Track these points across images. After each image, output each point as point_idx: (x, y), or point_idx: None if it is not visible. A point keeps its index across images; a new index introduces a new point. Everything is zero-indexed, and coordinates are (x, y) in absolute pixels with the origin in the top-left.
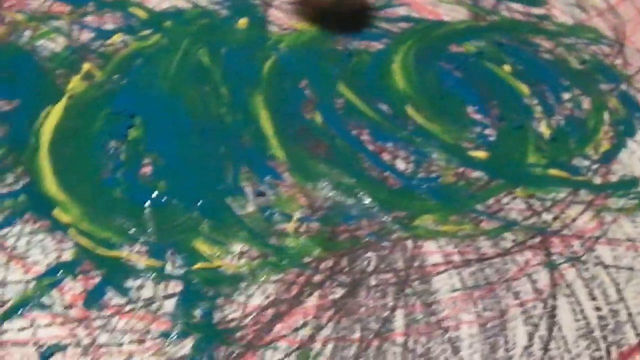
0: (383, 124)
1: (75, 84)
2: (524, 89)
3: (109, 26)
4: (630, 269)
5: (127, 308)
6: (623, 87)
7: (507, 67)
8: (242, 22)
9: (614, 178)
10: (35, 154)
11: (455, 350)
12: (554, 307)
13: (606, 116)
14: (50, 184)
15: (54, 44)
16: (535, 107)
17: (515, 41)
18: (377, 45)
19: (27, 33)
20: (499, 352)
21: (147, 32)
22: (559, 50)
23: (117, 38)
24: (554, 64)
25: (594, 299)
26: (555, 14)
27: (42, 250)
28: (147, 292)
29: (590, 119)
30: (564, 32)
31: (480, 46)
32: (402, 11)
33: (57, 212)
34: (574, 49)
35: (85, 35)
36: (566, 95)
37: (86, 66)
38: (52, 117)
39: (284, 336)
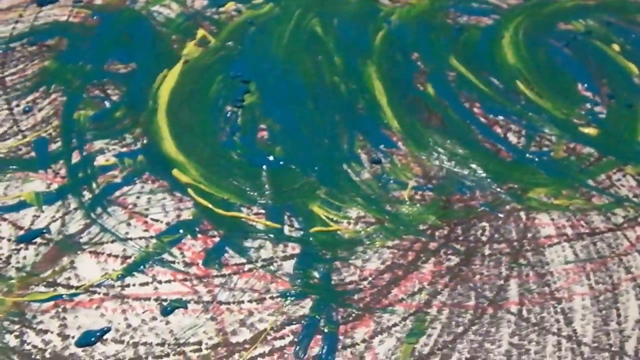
0: (494, 98)
1: (191, 49)
2: (634, 68)
3: None
4: None
5: (247, 267)
6: None
7: (616, 47)
8: None
9: None
10: (154, 116)
11: (568, 321)
12: None
13: None
14: (169, 145)
15: (168, 10)
16: None
17: (623, 21)
18: (487, 21)
19: None
20: (611, 325)
21: (260, 0)
22: None
23: (231, 6)
24: None
25: None
26: None
27: (162, 209)
28: (266, 253)
29: None
30: None
31: (589, 25)
32: None
33: (176, 173)
34: None
35: (199, 3)
36: None
37: (200, 32)
38: (168, 81)
39: (401, 300)
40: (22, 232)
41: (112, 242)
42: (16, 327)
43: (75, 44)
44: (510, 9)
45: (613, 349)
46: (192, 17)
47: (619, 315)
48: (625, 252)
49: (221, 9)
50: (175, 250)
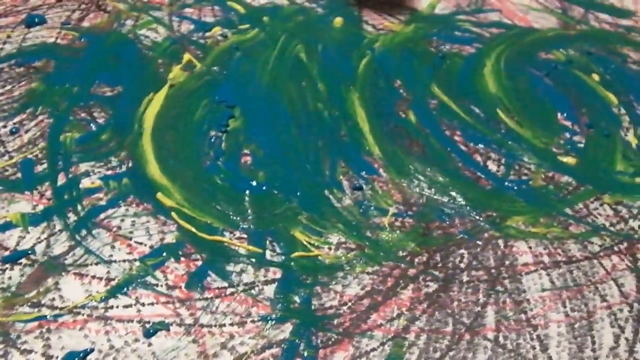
0: (475, 126)
1: (176, 73)
2: (613, 98)
3: (208, 19)
4: None
5: (228, 291)
6: None
7: (595, 76)
8: (338, 20)
9: None
10: (139, 140)
11: (544, 348)
12: None
13: None
14: (154, 169)
15: (155, 34)
16: (623, 116)
17: (603, 51)
18: (469, 49)
19: (129, 22)
20: (586, 352)
21: (245, 26)
22: None
23: (217, 31)
24: None
25: None
26: None
27: (145, 231)
28: (247, 277)
29: None
30: None
31: (569, 54)
32: (493, 17)
33: (160, 196)
34: None
35: (185, 27)
36: None
37: (186, 56)
38: (154, 104)
39: (380, 325)
40: (7, 253)
41: (97, 264)
42: (0, 346)
43: (63, 66)
44: (492, 37)
45: None
46: (178, 41)
47: (593, 343)
48: (601, 280)
49: (207, 34)
50: (158, 273)
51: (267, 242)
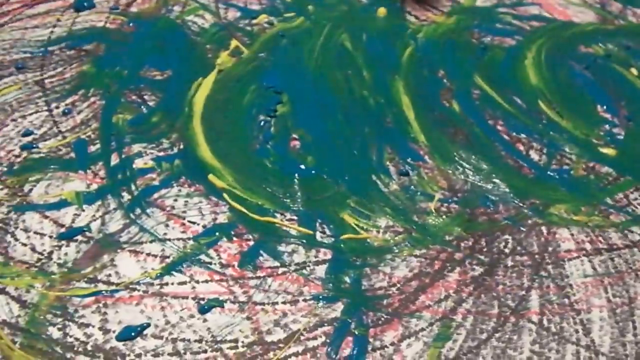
0: (517, 116)
1: (224, 59)
2: None
3: (255, 6)
4: None
5: (280, 271)
6: None
7: (634, 70)
8: (382, 11)
9: None
10: (189, 122)
11: (587, 332)
12: None
13: None
14: (205, 151)
15: (202, 20)
16: None
17: None
18: (510, 41)
19: (177, 8)
20: (627, 336)
21: (291, 14)
22: None
23: (263, 18)
24: None
25: None
26: None
27: (198, 212)
28: (298, 257)
29: None
30: None
31: (608, 48)
32: (533, 10)
33: (212, 178)
34: None
35: (232, 14)
36: None
37: (234, 43)
38: (203, 89)
39: (428, 307)
40: (63, 230)
41: (151, 242)
42: (59, 320)
43: (112, 50)
44: (532, 30)
45: (629, 359)
46: (225, 28)
47: (634, 328)
48: None
49: (254, 21)
50: (212, 252)
51: (317, 224)
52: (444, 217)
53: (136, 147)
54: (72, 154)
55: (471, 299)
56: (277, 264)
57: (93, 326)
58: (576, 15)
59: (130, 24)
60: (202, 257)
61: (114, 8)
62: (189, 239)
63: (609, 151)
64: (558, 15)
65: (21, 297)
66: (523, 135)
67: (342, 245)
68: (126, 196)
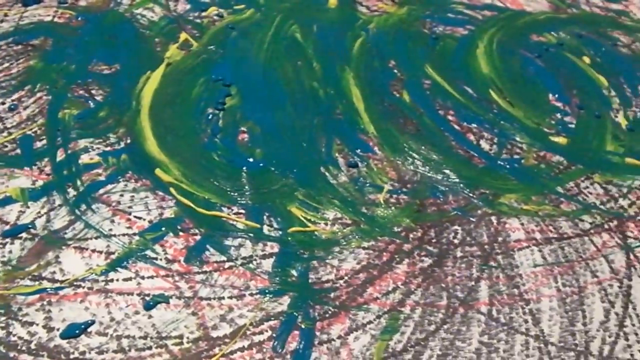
0: (468, 106)
1: (173, 52)
2: (603, 80)
3: None
4: None
5: (227, 265)
6: None
7: (586, 59)
8: (333, 2)
9: None
10: (137, 117)
11: (536, 321)
12: (629, 287)
13: None
14: (152, 145)
15: (152, 13)
16: (613, 98)
17: (594, 34)
18: (462, 31)
19: (126, 1)
20: (577, 325)
21: (241, 6)
22: (636, 45)
23: (213, 11)
24: (631, 59)
25: None
26: (633, 10)
27: (144, 207)
28: (245, 251)
29: None
30: None
31: (560, 37)
32: (485, 0)
33: (158, 172)
34: None
35: (182, 6)
36: None
37: (183, 36)
38: (152, 82)
39: (376, 299)
40: (7, 227)
41: (97, 238)
42: (2, 319)
43: (60, 45)
44: (484, 20)
45: (578, 348)
46: (174, 21)
47: (584, 317)
48: (591, 256)
49: (203, 14)
50: (157, 247)
51: (265, 217)
52: (392, 208)
53: (82, 143)
54: (18, 150)
55: (420, 291)
56: (223, 258)
57: (37, 324)
58: (529, 4)
59: (79, 18)
60: (148, 252)
61: (62, 2)
62: (134, 234)
63: (560, 140)
64: (510, 4)
65: None
66: (474, 125)
67: (289, 239)
68: (72, 192)
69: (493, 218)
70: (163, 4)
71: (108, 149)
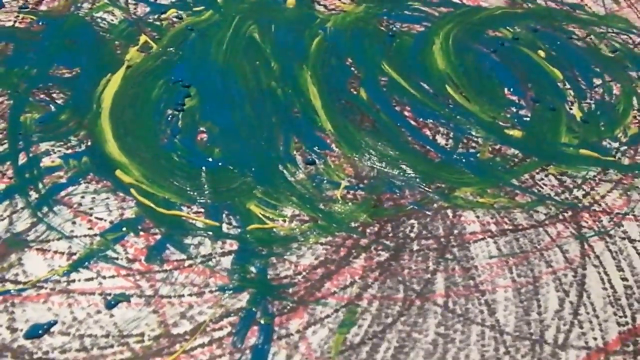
0: (424, 102)
1: (133, 54)
2: (558, 73)
3: (164, 1)
4: None
5: (187, 263)
6: None
7: (541, 53)
8: (291, 1)
9: None
10: (97, 119)
11: (492, 312)
12: (583, 276)
13: (635, 102)
14: (112, 147)
15: (112, 16)
16: (567, 91)
17: (549, 28)
18: (418, 28)
19: (86, 5)
20: (532, 315)
21: (200, 8)
22: (591, 38)
23: (172, 13)
24: (586, 51)
25: (621, 270)
26: (588, 4)
27: (105, 208)
28: (205, 249)
29: (620, 104)
30: (596, 21)
31: (516, 32)
32: None
33: (119, 173)
34: (605, 37)
35: (141, 9)
36: (597, 81)
37: (143, 38)
38: (112, 85)
39: (333, 293)
40: None
41: (58, 239)
42: None
43: (21, 49)
44: (440, 16)
45: (534, 337)
46: (134, 24)
47: (539, 306)
48: (546, 247)
49: (162, 16)
50: (118, 247)
51: (224, 215)
52: (350, 204)
53: (44, 146)
54: None
55: (377, 284)
56: (183, 256)
57: (0, 325)
58: (485, 0)
59: (40, 23)
60: (109, 252)
61: (23, 7)
62: (95, 235)
63: (515, 133)
64: (467, 0)
65: None
66: (430, 120)
67: (248, 236)
68: (34, 195)
69: (449, 211)
70: (123, 7)
71: (69, 151)
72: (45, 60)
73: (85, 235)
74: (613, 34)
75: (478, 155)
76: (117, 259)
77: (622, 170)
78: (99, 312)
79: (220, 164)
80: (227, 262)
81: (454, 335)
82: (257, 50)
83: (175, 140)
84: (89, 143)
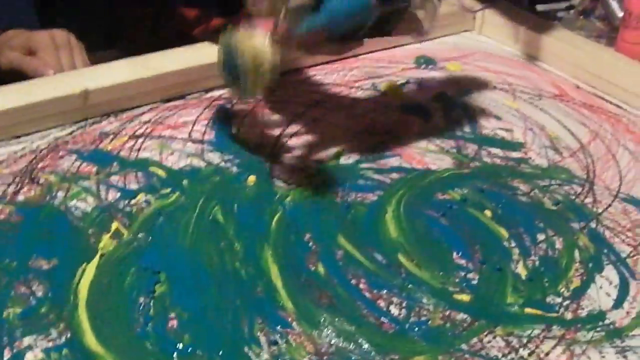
0: (378, 273)
1: (106, 242)
2: (503, 232)
3: (133, 185)
4: None
5: None
6: (592, 224)
7: (488, 213)
8: (251, 179)
9: (583, 313)
10: (75, 310)
11: None
12: None
13: (577, 254)
14: (90, 338)
15: (85, 204)
16: (513, 249)
17: (495, 186)
18: (372, 197)
19: (61, 194)
20: None
21: (167, 190)
22: (534, 192)
23: (141, 197)
24: (530, 207)
25: None
26: (532, 157)
27: None
28: None
29: (563, 257)
30: (539, 174)
31: (464, 193)
32: (394, 162)
33: None
34: (548, 191)
35: (112, 195)
36: (541, 236)
37: (114, 225)
38: (87, 275)
39: None
40: None
41: None
42: None
43: (1, 242)
44: (392, 183)
45: None
46: (106, 210)
47: None
48: None
49: (132, 201)
50: None
51: None
52: None
53: (27, 340)
54: None
55: None
56: None
57: None
58: (434, 163)
59: (18, 214)
60: None
61: (2, 198)
62: None
63: (463, 297)
64: (417, 164)
65: None
66: (384, 291)
67: None
68: None
69: None
70: (95, 193)
71: (50, 344)
72: (24, 252)
73: None
74: (556, 186)
75: (429, 322)
76: None
77: (565, 326)
78: None
79: (189, 350)
80: None
81: None
82: (221, 231)
83: (147, 328)
84: (68, 335)
